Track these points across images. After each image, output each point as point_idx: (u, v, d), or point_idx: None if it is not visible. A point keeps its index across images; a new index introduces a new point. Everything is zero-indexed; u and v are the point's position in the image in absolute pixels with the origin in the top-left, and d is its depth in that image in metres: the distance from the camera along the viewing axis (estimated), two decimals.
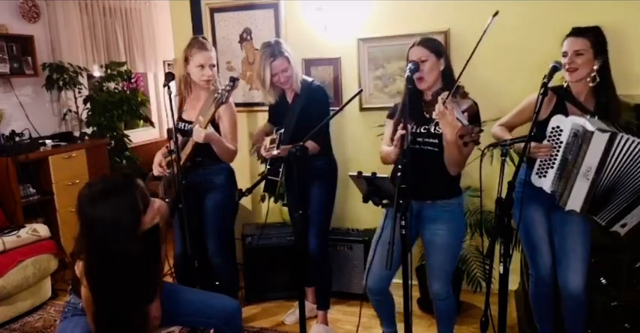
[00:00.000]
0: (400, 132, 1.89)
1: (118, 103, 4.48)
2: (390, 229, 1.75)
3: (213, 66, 2.57)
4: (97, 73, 4.80)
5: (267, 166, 2.75)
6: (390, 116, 2.24)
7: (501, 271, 1.73)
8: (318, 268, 2.79)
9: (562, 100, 2.10)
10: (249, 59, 3.40)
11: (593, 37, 2.01)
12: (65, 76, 4.19)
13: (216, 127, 2.54)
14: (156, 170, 2.57)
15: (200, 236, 2.66)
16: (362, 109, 3.19)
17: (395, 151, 2.01)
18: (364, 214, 3.25)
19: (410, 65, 1.99)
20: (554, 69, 1.94)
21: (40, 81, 4.20)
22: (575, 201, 1.99)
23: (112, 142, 4.56)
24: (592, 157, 1.92)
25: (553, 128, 2.02)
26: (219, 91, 2.32)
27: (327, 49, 3.20)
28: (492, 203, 1.79)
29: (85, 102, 4.45)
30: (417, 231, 2.23)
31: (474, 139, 1.74)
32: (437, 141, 2.02)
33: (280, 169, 2.62)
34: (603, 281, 2.15)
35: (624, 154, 1.90)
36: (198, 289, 2.12)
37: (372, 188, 1.89)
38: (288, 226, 3.20)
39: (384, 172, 1.89)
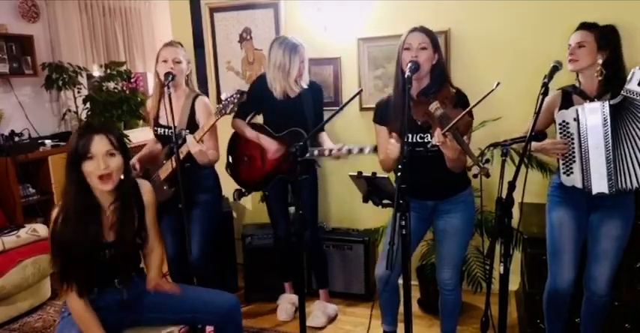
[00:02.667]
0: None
1: (118, 103, 4.48)
2: (392, 229, 1.75)
3: (178, 61, 2.49)
4: (97, 72, 4.80)
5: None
6: (378, 120, 2.22)
7: (501, 272, 1.73)
8: (315, 256, 2.96)
9: (568, 96, 2.11)
10: (248, 59, 3.40)
11: (598, 32, 2.04)
12: (65, 76, 4.20)
13: (195, 125, 2.49)
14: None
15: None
16: (362, 109, 3.19)
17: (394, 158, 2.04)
18: (364, 214, 3.25)
19: (410, 65, 1.97)
20: (555, 69, 1.94)
21: (40, 81, 4.20)
22: (599, 182, 1.98)
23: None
24: (594, 133, 1.95)
25: (560, 124, 2.04)
26: (224, 101, 2.30)
27: (327, 49, 3.19)
28: (492, 203, 1.79)
29: (84, 102, 4.45)
30: (429, 223, 2.27)
31: (484, 173, 1.76)
32: (436, 148, 2.01)
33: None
34: None
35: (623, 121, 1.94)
36: (196, 287, 2.12)
37: (372, 188, 1.89)
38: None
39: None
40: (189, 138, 2.35)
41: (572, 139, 2.02)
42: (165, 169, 2.49)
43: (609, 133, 1.94)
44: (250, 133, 2.77)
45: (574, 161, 2.03)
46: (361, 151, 2.49)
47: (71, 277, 1.77)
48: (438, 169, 2.04)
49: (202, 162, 2.42)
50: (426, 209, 2.20)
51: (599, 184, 1.98)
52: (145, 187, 2.01)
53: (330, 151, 2.55)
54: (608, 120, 1.93)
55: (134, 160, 2.60)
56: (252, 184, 2.80)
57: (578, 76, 2.13)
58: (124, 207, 1.88)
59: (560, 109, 2.09)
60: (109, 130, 1.83)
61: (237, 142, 2.89)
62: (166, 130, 2.56)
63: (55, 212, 1.81)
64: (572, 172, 2.05)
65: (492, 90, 1.69)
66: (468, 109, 1.84)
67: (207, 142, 2.50)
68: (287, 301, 3.01)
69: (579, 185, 2.04)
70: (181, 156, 2.36)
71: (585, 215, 2.13)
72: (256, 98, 2.77)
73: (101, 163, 1.76)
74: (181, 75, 2.52)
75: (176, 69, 2.47)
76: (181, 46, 2.58)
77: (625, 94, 1.92)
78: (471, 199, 2.23)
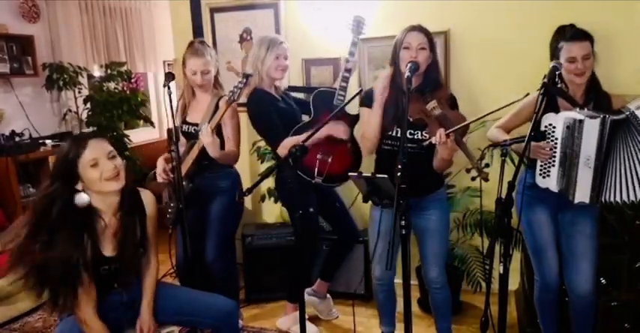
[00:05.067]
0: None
1: (118, 103, 4.48)
2: (389, 227, 1.76)
3: (207, 72, 2.54)
4: (97, 73, 4.81)
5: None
6: (365, 104, 2.20)
7: (501, 271, 1.73)
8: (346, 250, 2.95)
9: (552, 97, 2.10)
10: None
11: (592, 39, 2.06)
12: (65, 76, 4.20)
13: (219, 130, 2.52)
14: (160, 177, 2.54)
15: (204, 239, 2.65)
16: None
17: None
18: (364, 214, 3.25)
19: (410, 65, 1.98)
20: (554, 69, 1.94)
21: (40, 81, 4.20)
22: (582, 192, 1.99)
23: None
24: (588, 145, 1.94)
25: (546, 127, 2.03)
26: (232, 89, 2.32)
27: (327, 49, 3.20)
28: (492, 203, 1.79)
29: (85, 102, 4.45)
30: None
31: (483, 178, 1.77)
32: (427, 146, 2.02)
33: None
34: (603, 281, 2.15)
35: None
36: (196, 290, 2.12)
37: (371, 188, 1.89)
38: (289, 225, 3.19)
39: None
40: (204, 127, 2.36)
41: (556, 143, 2.01)
42: (185, 165, 2.51)
43: (603, 147, 1.94)
44: (305, 136, 2.52)
45: (553, 165, 2.03)
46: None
47: (67, 300, 1.69)
48: (422, 167, 2.07)
49: (214, 155, 2.42)
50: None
51: (582, 194, 1.99)
52: (148, 197, 1.96)
53: (344, 77, 2.55)
54: (606, 135, 1.93)
55: (162, 163, 2.55)
56: (356, 165, 2.62)
57: (563, 79, 2.12)
58: (128, 215, 1.83)
59: (545, 111, 2.05)
60: (101, 134, 1.80)
61: (300, 162, 2.67)
62: (192, 127, 2.60)
63: (22, 227, 1.66)
64: (548, 175, 2.05)
65: (519, 99, 1.72)
66: (486, 114, 1.85)
67: (229, 141, 2.55)
68: (296, 323, 2.95)
69: (554, 188, 2.04)
70: (198, 148, 2.42)
71: (555, 213, 2.18)
72: (271, 111, 2.60)
73: (108, 165, 1.73)
74: (210, 82, 2.59)
75: (205, 79, 2.54)
76: (207, 46, 2.58)
77: (629, 116, 1.91)
78: (445, 197, 2.32)
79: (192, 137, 2.57)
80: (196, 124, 2.55)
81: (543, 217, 2.18)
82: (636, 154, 1.93)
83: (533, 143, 2.02)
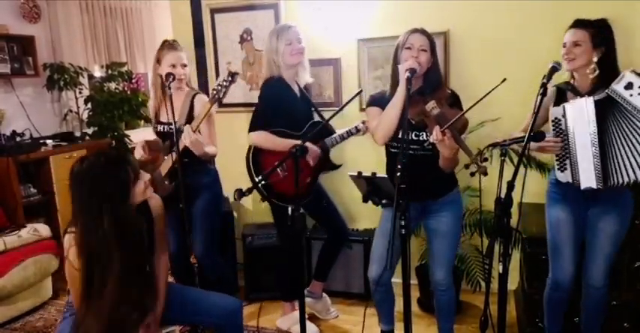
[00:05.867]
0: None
1: (119, 103, 4.49)
2: (390, 227, 1.76)
3: (185, 66, 2.55)
4: (98, 73, 4.82)
5: None
6: (371, 104, 2.22)
7: (500, 271, 1.73)
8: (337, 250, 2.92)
9: (562, 93, 2.12)
10: (249, 60, 3.41)
11: (593, 29, 2.04)
12: (66, 77, 4.21)
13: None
14: (139, 152, 2.46)
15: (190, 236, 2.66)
16: (362, 110, 3.19)
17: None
18: (364, 214, 3.26)
19: (408, 75, 1.99)
20: (553, 69, 1.95)
21: (41, 81, 4.21)
22: (587, 177, 1.99)
23: (113, 142, 4.57)
24: (582, 129, 1.96)
25: (553, 121, 2.05)
26: (215, 87, 2.32)
27: (327, 49, 3.20)
28: (492, 203, 1.80)
29: (85, 102, 4.46)
30: (416, 222, 2.29)
31: (482, 172, 1.76)
32: (430, 147, 2.03)
33: None
34: None
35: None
36: (199, 289, 2.13)
37: (371, 188, 1.89)
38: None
39: (383, 172, 1.89)
40: (186, 128, 2.35)
41: (566, 135, 2.02)
42: (166, 165, 2.51)
43: (596, 128, 1.95)
44: (284, 143, 2.50)
45: (567, 157, 2.05)
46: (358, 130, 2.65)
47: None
48: (430, 168, 2.07)
49: (198, 153, 2.41)
50: (414, 210, 2.20)
51: (587, 179, 1.99)
52: (153, 200, 1.92)
53: (350, 131, 2.66)
54: (593, 116, 1.94)
55: (142, 145, 2.51)
56: (301, 196, 2.55)
57: (572, 73, 2.14)
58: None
59: (556, 105, 2.09)
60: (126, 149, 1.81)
61: (260, 158, 2.63)
62: (166, 126, 2.59)
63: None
64: (566, 168, 2.07)
65: (497, 85, 1.72)
66: (472, 106, 1.85)
67: (206, 138, 2.52)
68: (296, 323, 2.96)
69: (572, 180, 2.05)
70: (180, 148, 2.37)
71: (583, 210, 2.15)
72: (276, 101, 2.56)
73: (144, 174, 1.76)
74: (187, 77, 2.58)
75: (183, 72, 2.54)
76: (179, 45, 2.60)
77: (609, 93, 1.92)
78: (459, 197, 2.29)
79: (167, 136, 2.54)
80: (170, 123, 2.49)
81: (564, 215, 2.16)
82: (630, 131, 1.93)
83: (538, 143, 2.02)
